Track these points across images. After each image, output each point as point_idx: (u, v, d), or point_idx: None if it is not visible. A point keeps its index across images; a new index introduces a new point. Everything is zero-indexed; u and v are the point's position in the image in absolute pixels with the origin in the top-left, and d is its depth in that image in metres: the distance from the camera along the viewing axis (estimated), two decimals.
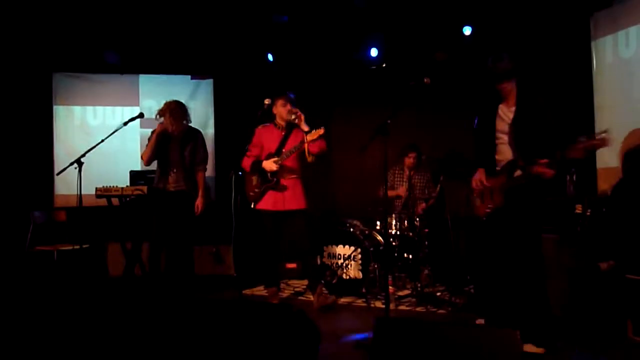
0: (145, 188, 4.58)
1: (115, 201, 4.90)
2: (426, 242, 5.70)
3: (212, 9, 6.01)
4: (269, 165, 4.70)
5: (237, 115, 7.09)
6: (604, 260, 4.01)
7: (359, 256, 5.44)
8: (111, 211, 4.92)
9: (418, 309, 4.96)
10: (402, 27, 6.27)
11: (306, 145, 4.64)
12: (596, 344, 3.66)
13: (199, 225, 5.43)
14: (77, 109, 7.01)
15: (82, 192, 4.51)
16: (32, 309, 3.92)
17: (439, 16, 6.01)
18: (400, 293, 5.44)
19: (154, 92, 7.21)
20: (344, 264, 5.47)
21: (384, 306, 4.44)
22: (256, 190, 4.79)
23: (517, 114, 3.55)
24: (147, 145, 5.00)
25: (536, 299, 3.46)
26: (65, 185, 6.49)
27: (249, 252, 6.28)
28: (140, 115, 5.00)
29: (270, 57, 6.56)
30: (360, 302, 5.22)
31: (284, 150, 4.76)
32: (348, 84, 6.97)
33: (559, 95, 3.65)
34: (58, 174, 4.70)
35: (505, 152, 3.62)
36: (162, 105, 5.07)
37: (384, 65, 6.75)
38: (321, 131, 4.53)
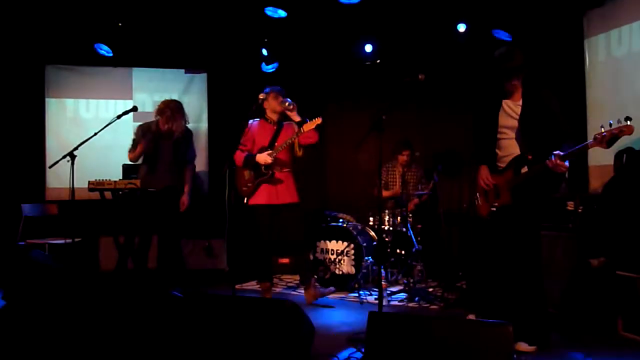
0: (138, 182, 4.55)
1: (108, 194, 4.88)
2: (419, 238, 5.72)
3: (207, 2, 5.98)
4: (264, 158, 4.69)
5: (231, 110, 7.07)
6: (595, 257, 4.04)
7: (352, 252, 5.45)
8: (104, 205, 4.90)
9: (410, 304, 4.99)
10: (396, 23, 6.27)
11: (298, 137, 4.64)
12: (587, 340, 3.69)
13: (188, 219, 5.44)
14: (69, 102, 6.96)
15: (75, 186, 4.49)
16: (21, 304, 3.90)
17: (433, 13, 6.01)
18: (393, 289, 5.46)
19: (148, 86, 7.17)
20: (337, 260, 5.49)
21: (376, 301, 4.46)
22: (249, 184, 4.77)
23: (524, 108, 3.51)
24: (137, 145, 4.97)
25: (533, 297, 3.47)
26: (56, 178, 6.45)
27: (241, 247, 6.29)
28: (134, 109, 4.98)
29: (264, 52, 6.54)
30: (353, 297, 5.23)
31: (276, 143, 4.76)
32: (342, 80, 6.98)
33: (552, 92, 3.64)
34: (50, 166, 4.67)
35: (509, 148, 3.57)
36: (158, 103, 5.07)
37: (378, 61, 6.75)
38: (318, 121, 4.54)
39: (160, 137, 4.98)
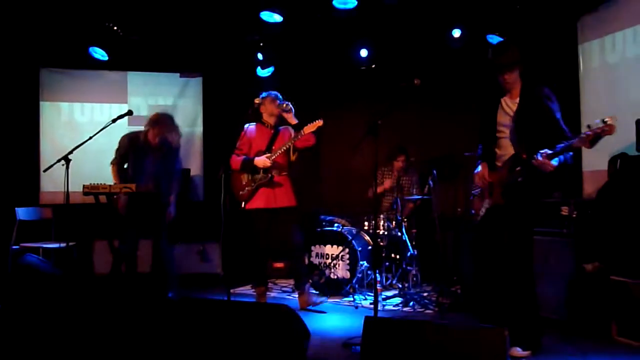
0: (134, 186, 4.53)
1: (102, 199, 4.86)
2: (414, 243, 5.73)
3: (202, 6, 5.98)
4: (262, 161, 4.68)
5: (226, 114, 7.07)
6: (589, 262, 4.05)
7: (347, 256, 5.46)
8: (98, 209, 4.88)
9: (405, 309, 4.99)
10: (391, 28, 6.29)
11: (296, 140, 4.64)
12: (581, 344, 3.70)
13: (182, 223, 5.44)
14: (64, 105, 6.94)
15: (69, 190, 4.46)
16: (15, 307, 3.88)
17: (428, 18, 6.04)
18: (388, 293, 5.46)
19: (143, 90, 7.17)
20: (332, 264, 5.49)
21: (371, 306, 4.46)
22: (247, 188, 4.77)
23: (520, 106, 3.50)
24: (115, 172, 4.99)
25: (525, 301, 3.48)
26: (51, 182, 6.43)
27: (237, 251, 6.28)
28: (129, 113, 4.96)
29: (260, 56, 6.55)
30: (347, 302, 5.23)
31: (274, 147, 4.75)
32: (337, 84, 6.99)
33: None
34: (45, 170, 4.64)
35: (506, 147, 3.57)
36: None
37: (373, 66, 6.77)
38: (320, 123, 4.55)
39: (147, 149, 4.92)
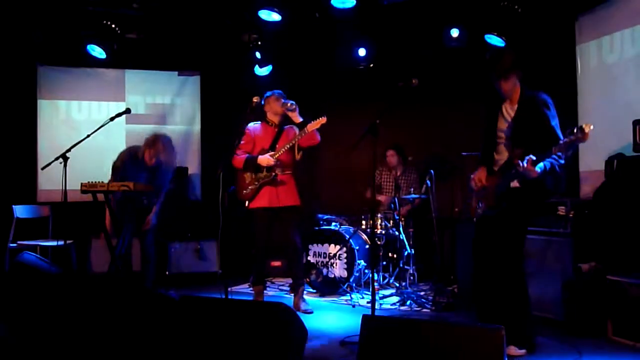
0: (131, 184, 4.53)
1: (100, 197, 4.87)
2: (411, 242, 5.75)
3: (200, 4, 5.98)
4: (266, 160, 4.67)
5: (224, 112, 7.08)
6: (585, 262, 4.07)
7: (345, 255, 5.47)
8: (96, 207, 4.88)
9: (402, 308, 5.01)
10: (390, 27, 6.30)
11: (300, 138, 4.64)
12: (577, 343, 3.72)
13: (179, 222, 5.47)
14: (61, 103, 6.92)
15: (67, 188, 4.46)
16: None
17: (426, 18, 6.05)
18: (385, 292, 5.48)
19: (140, 88, 7.16)
20: (330, 263, 5.50)
21: (368, 305, 4.48)
22: (251, 187, 4.74)
23: (517, 112, 3.51)
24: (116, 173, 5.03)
25: (517, 300, 3.50)
26: (48, 180, 6.41)
27: (233, 250, 6.29)
28: (127, 111, 4.97)
29: (258, 54, 6.55)
30: (345, 300, 5.24)
31: (277, 146, 4.74)
32: (335, 83, 6.99)
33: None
34: (43, 168, 4.64)
35: (504, 152, 3.59)
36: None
37: (371, 65, 6.78)
38: (323, 120, 4.55)
39: (143, 167, 4.98)
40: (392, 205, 5.69)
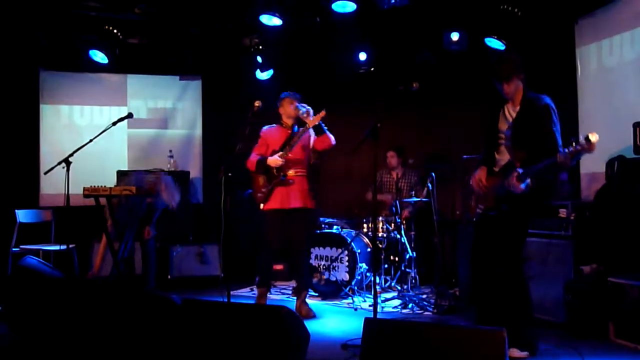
0: (134, 188, 4.55)
1: (103, 201, 4.90)
2: (412, 245, 5.75)
3: (201, 9, 6.01)
4: (274, 160, 4.65)
5: (225, 116, 7.10)
6: (587, 264, 4.08)
7: (346, 258, 5.47)
8: (99, 211, 4.91)
9: (404, 311, 5.01)
10: (390, 31, 6.32)
11: (300, 137, 4.65)
12: (579, 345, 3.72)
13: (181, 226, 5.49)
14: (64, 108, 6.95)
15: (69, 192, 4.48)
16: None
17: (426, 21, 6.07)
18: (387, 295, 5.48)
19: (142, 92, 7.19)
20: (331, 266, 5.50)
21: (370, 308, 4.48)
22: (263, 190, 4.73)
23: (519, 115, 3.52)
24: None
25: (518, 303, 3.50)
26: (50, 184, 6.42)
27: (235, 253, 6.30)
28: (129, 116, 5.00)
29: (259, 59, 6.57)
30: (347, 303, 5.25)
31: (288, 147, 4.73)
32: (336, 87, 7.01)
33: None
34: (46, 173, 4.67)
35: (505, 153, 3.59)
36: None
37: (372, 69, 6.80)
38: (323, 113, 4.56)
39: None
40: (394, 209, 5.70)
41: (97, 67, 6.59)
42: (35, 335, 3.52)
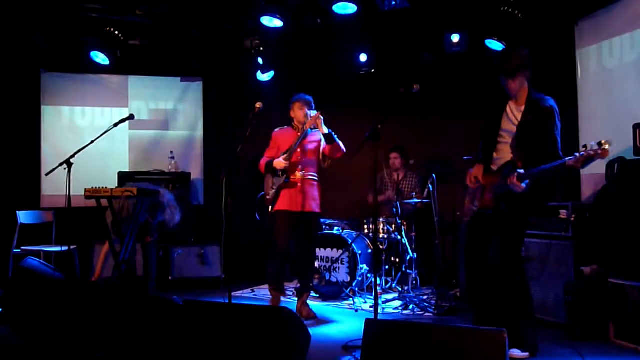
0: (135, 190, 4.56)
1: (104, 202, 4.90)
2: (413, 246, 5.76)
3: (202, 10, 6.02)
4: (278, 163, 4.67)
5: (226, 117, 7.12)
6: (587, 265, 4.09)
7: (347, 259, 5.48)
8: (100, 212, 4.92)
9: (405, 312, 5.02)
10: (391, 33, 6.34)
11: (300, 140, 4.65)
12: (579, 346, 3.73)
13: (181, 227, 5.51)
14: (65, 109, 6.96)
15: (70, 193, 4.49)
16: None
17: (427, 23, 6.08)
18: (388, 296, 5.49)
19: (144, 94, 7.20)
20: (332, 267, 5.51)
21: (371, 309, 4.48)
22: (271, 192, 4.74)
23: (524, 116, 3.50)
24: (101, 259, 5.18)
25: (519, 304, 3.51)
26: (51, 186, 6.43)
27: (236, 255, 6.31)
28: (131, 117, 5.00)
29: (260, 60, 6.58)
30: (347, 305, 5.26)
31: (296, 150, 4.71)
32: (337, 89, 7.02)
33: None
34: (47, 174, 4.67)
35: (504, 152, 3.58)
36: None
37: (372, 70, 6.81)
38: (317, 114, 4.56)
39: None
40: (394, 210, 5.71)
41: (99, 69, 6.60)
42: (37, 336, 3.53)
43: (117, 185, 5.91)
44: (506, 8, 5.24)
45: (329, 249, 5.59)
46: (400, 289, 5.62)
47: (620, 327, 3.80)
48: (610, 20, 5.00)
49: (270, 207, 4.78)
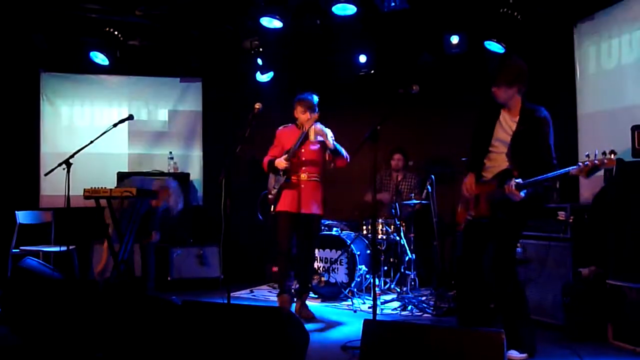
0: (134, 190, 4.56)
1: (103, 202, 4.91)
2: (412, 247, 5.77)
3: (202, 11, 6.02)
4: (279, 163, 4.64)
5: (225, 118, 7.12)
6: (585, 267, 4.09)
7: (346, 260, 5.48)
8: (99, 212, 4.92)
9: (403, 313, 5.02)
10: (390, 34, 6.34)
11: (299, 143, 4.64)
12: (578, 347, 3.73)
13: (180, 227, 5.51)
14: (64, 110, 6.97)
15: (69, 193, 4.49)
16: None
17: (427, 24, 6.09)
18: (386, 297, 5.49)
19: (143, 94, 7.20)
20: (331, 268, 5.52)
21: (370, 310, 4.49)
22: (273, 191, 4.72)
23: (519, 126, 3.49)
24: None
25: (515, 305, 3.51)
26: (50, 186, 6.43)
27: (235, 255, 6.31)
28: (130, 117, 5.01)
29: (259, 61, 6.59)
30: (346, 305, 5.26)
31: (299, 149, 4.68)
32: (336, 89, 7.02)
33: (543, 103, 3.68)
34: (46, 174, 4.67)
35: (497, 161, 3.58)
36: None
37: (372, 71, 6.82)
38: (315, 116, 4.57)
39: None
40: (393, 211, 5.71)
41: (98, 69, 6.60)
42: (36, 336, 3.53)
43: (116, 186, 5.91)
44: (505, 9, 5.25)
45: (327, 250, 5.59)
46: (398, 290, 5.62)
47: (619, 328, 3.80)
48: (609, 22, 5.01)
49: (272, 206, 4.76)
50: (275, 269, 6.32)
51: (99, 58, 6.30)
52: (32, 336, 3.57)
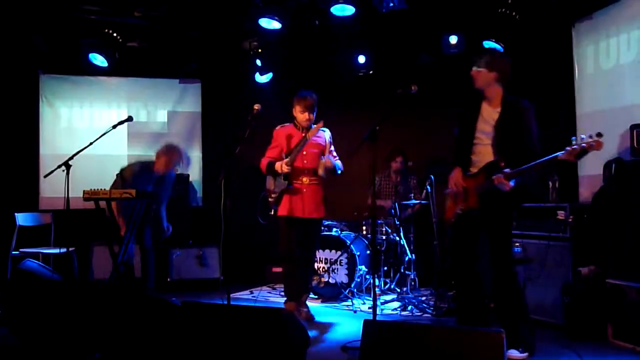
0: (133, 192, 4.56)
1: (103, 204, 4.91)
2: (412, 247, 5.77)
3: (201, 12, 6.02)
4: (280, 167, 4.60)
5: (225, 119, 7.12)
6: (585, 266, 4.10)
7: (346, 260, 5.48)
8: (98, 214, 4.91)
9: (403, 313, 5.02)
10: (389, 34, 6.35)
11: (300, 147, 4.63)
12: (578, 347, 3.73)
13: (180, 229, 5.51)
14: (64, 111, 6.97)
15: (69, 195, 4.49)
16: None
17: (425, 25, 6.10)
18: (386, 297, 5.49)
19: (142, 96, 7.20)
20: (331, 268, 5.52)
21: (369, 310, 4.49)
22: (273, 195, 4.68)
23: (502, 116, 3.53)
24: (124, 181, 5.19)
25: (513, 304, 3.52)
26: (50, 187, 6.43)
27: (235, 256, 6.31)
28: (129, 119, 5.01)
29: (258, 62, 6.59)
30: (346, 306, 5.26)
31: (303, 152, 4.64)
32: (335, 90, 7.03)
33: (542, 103, 3.69)
34: (45, 176, 4.67)
35: (483, 153, 3.59)
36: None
37: (371, 72, 6.82)
38: (320, 125, 4.53)
39: (152, 179, 5.23)
40: (393, 211, 5.71)
41: (97, 71, 6.60)
42: (36, 337, 3.53)
43: (114, 180, 5.89)
44: (504, 9, 5.25)
45: (327, 250, 5.59)
46: (398, 290, 5.63)
47: (618, 328, 3.81)
48: (607, 22, 5.01)
49: (272, 209, 4.74)
50: (276, 269, 6.34)
51: (98, 59, 6.30)
52: (31, 337, 3.57)
